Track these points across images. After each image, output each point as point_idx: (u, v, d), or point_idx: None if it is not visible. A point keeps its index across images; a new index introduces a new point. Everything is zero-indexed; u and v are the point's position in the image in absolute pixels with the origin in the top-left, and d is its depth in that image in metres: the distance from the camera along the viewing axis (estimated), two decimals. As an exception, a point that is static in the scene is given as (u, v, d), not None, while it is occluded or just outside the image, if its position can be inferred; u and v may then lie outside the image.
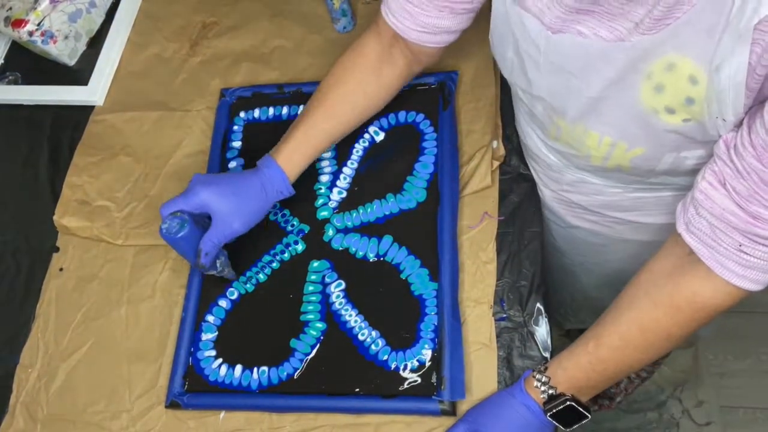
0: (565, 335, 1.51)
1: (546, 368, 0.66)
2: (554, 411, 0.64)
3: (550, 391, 0.64)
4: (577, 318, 1.19)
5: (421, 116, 0.87)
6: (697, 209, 0.54)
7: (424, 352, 0.74)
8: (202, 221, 0.75)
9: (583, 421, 0.65)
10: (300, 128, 0.78)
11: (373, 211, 0.83)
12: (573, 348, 0.65)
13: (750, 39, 0.45)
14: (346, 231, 0.83)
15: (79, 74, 1.06)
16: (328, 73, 0.80)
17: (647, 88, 0.53)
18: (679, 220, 0.57)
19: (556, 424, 0.65)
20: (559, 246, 0.92)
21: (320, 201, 0.85)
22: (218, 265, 0.77)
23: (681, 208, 0.57)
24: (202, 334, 0.80)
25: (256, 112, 0.94)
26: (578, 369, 0.64)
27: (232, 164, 0.90)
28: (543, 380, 0.65)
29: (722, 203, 0.52)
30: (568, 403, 0.64)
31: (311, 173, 0.87)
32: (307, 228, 0.84)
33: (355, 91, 0.79)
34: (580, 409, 0.64)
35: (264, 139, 0.91)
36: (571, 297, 1.08)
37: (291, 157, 0.77)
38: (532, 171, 0.82)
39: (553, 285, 1.04)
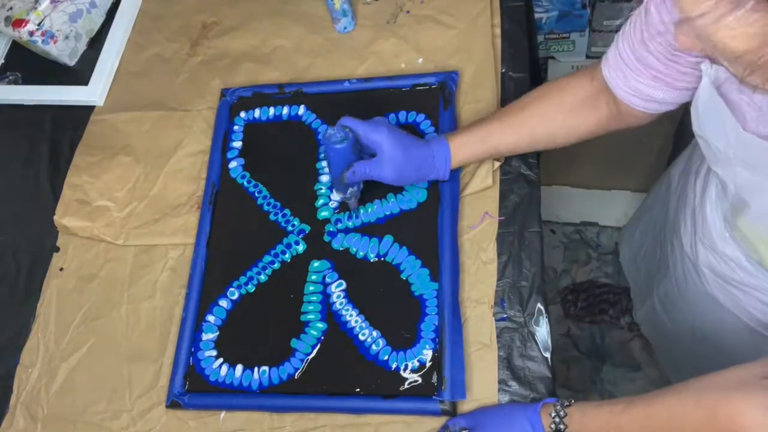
0: (566, 335, 1.51)
1: (569, 404, 0.65)
2: None
3: (560, 426, 0.64)
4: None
5: (422, 116, 0.87)
6: None
7: (424, 352, 0.74)
8: (361, 151, 0.77)
9: None
10: (480, 128, 0.77)
11: (374, 211, 0.83)
12: (605, 402, 0.63)
13: None
14: (346, 231, 0.83)
15: (79, 74, 1.06)
16: (534, 89, 0.77)
17: None
18: None
19: None
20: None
21: (321, 201, 0.85)
22: (349, 193, 0.79)
23: None
24: (203, 334, 0.80)
25: (257, 112, 0.94)
26: (594, 420, 0.63)
27: (233, 164, 0.90)
28: (559, 413, 0.64)
29: None
30: None
31: (311, 173, 0.87)
32: (307, 228, 0.84)
33: (543, 118, 0.75)
34: None
35: (264, 139, 0.92)
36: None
37: (459, 148, 0.77)
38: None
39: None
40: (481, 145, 0.77)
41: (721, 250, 0.75)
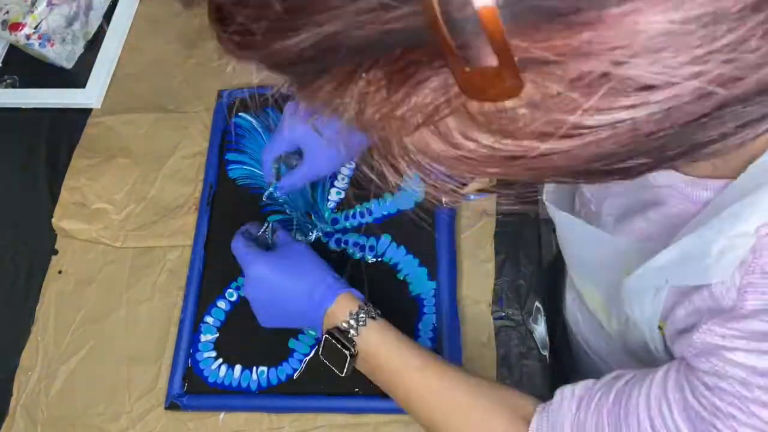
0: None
1: (375, 317, 0.64)
2: (334, 340, 0.64)
3: (351, 331, 0.63)
4: None
5: (418, 116, 0.87)
6: None
7: (422, 351, 0.73)
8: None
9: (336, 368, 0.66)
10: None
11: (371, 211, 0.83)
12: (404, 345, 0.63)
13: None
14: (344, 231, 0.83)
15: (76, 77, 1.06)
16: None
17: None
18: None
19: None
20: None
21: (318, 201, 0.85)
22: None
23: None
24: (201, 335, 0.80)
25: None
26: (384, 351, 0.63)
27: (230, 165, 0.90)
28: (360, 321, 0.64)
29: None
30: (351, 353, 0.63)
31: (309, 174, 0.87)
32: (305, 228, 0.84)
33: None
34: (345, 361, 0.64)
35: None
36: None
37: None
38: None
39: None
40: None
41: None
